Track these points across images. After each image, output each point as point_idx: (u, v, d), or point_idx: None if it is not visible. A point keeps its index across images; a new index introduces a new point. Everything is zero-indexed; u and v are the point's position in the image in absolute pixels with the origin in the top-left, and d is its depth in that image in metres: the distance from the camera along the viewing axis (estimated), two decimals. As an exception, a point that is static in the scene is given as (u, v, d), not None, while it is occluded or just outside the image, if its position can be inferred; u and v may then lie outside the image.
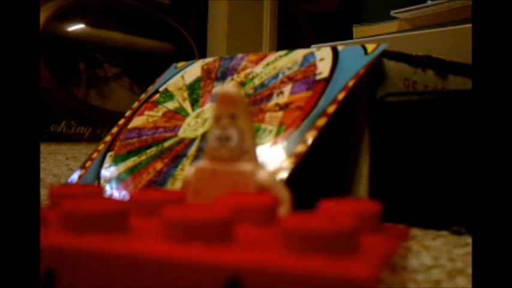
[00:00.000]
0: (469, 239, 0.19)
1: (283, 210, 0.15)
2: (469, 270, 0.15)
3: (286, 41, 1.08)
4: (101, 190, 0.16)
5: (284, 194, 0.15)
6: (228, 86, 0.15)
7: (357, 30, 0.58)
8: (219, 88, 0.15)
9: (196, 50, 0.87)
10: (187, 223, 0.11)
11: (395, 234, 0.14)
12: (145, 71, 0.76)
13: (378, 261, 0.11)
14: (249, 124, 0.16)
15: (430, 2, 0.52)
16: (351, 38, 0.58)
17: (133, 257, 0.11)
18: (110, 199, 0.13)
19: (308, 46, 0.32)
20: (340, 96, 0.23)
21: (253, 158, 0.16)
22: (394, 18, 0.55)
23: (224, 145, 0.16)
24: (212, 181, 0.16)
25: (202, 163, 0.16)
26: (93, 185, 0.23)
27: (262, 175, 0.15)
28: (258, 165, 0.16)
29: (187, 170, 0.17)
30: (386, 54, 0.25)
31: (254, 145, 0.16)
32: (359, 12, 1.00)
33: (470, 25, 0.44)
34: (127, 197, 0.24)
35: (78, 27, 0.75)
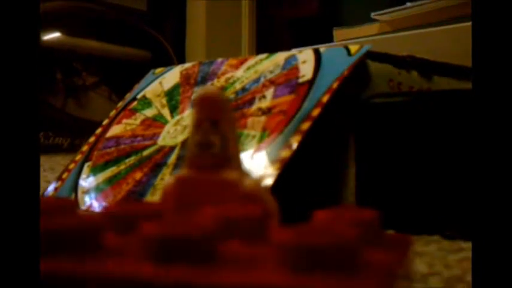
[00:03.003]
0: (463, 244, 0.19)
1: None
2: (468, 278, 0.15)
3: (266, 45, 1.08)
4: (74, 204, 0.15)
5: (271, 205, 0.14)
6: (208, 88, 0.14)
7: (338, 33, 0.58)
8: (198, 90, 0.14)
9: (174, 56, 0.86)
10: (168, 240, 0.10)
11: (398, 245, 0.13)
12: (123, 79, 0.75)
13: (386, 279, 0.10)
14: (232, 129, 0.15)
15: (409, 4, 0.52)
16: (331, 41, 0.58)
17: (109, 278, 0.10)
18: (83, 214, 0.12)
19: (288, 50, 0.31)
20: (325, 99, 0.22)
21: (238, 166, 0.15)
22: (374, 20, 0.55)
23: (206, 152, 0.15)
24: (194, 191, 0.15)
25: (183, 172, 0.15)
26: (65, 199, 0.22)
27: (248, 184, 0.15)
28: (244, 173, 0.15)
29: (167, 179, 0.16)
30: (370, 55, 0.24)
31: (238, 152, 0.15)
32: (338, 15, 1.01)
33: (451, 26, 0.44)
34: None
35: (53, 35, 0.74)
